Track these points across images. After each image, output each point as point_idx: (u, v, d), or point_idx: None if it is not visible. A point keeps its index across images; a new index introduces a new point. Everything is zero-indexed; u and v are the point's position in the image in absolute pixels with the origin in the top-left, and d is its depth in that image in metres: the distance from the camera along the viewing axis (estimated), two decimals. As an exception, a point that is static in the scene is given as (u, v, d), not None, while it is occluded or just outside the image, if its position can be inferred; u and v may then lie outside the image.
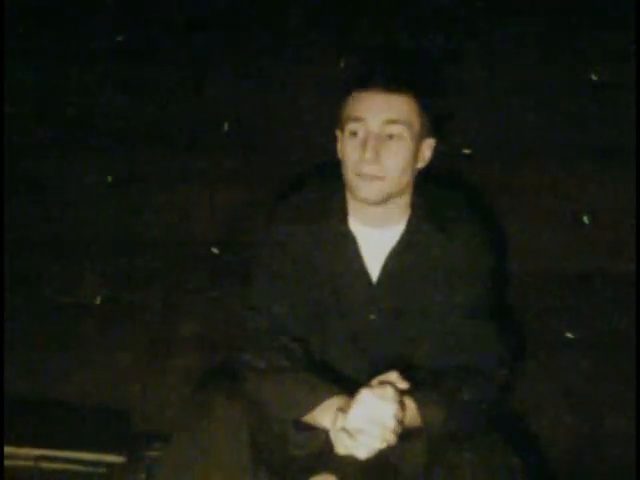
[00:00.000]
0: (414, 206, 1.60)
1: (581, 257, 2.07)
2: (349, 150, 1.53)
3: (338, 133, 1.62)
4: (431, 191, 1.64)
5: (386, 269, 1.58)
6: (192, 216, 2.17)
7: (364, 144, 1.49)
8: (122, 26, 2.25)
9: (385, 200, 1.53)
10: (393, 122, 1.50)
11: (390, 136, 1.51)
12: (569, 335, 2.03)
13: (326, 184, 1.66)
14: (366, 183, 1.51)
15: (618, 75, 2.09)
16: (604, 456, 1.93)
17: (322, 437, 1.44)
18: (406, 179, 1.55)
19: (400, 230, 1.59)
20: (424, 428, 1.43)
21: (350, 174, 1.53)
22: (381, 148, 1.49)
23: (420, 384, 1.45)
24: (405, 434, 1.40)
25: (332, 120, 1.65)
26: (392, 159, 1.51)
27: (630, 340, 1.95)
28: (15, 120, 2.20)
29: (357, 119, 1.52)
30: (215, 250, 2.15)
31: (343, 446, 1.38)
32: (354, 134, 1.52)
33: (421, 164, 1.59)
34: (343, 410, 1.39)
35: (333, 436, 1.40)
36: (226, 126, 2.19)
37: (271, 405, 1.47)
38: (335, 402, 1.43)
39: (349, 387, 1.47)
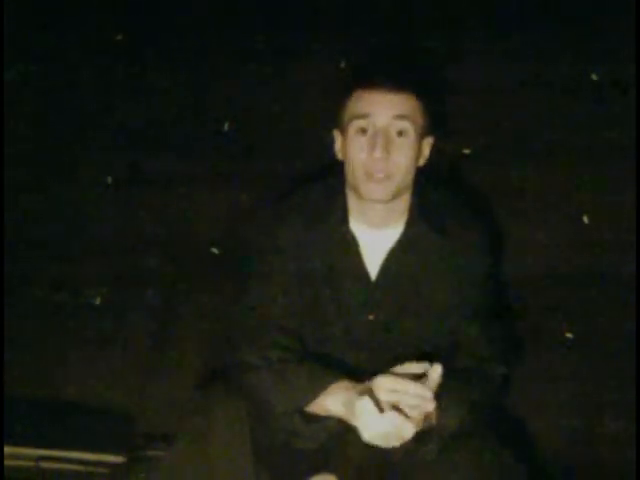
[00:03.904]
0: (413, 207, 1.60)
1: (581, 257, 2.07)
2: (356, 148, 1.51)
3: (336, 134, 1.62)
4: (430, 192, 1.64)
5: (385, 270, 1.58)
6: (192, 216, 2.18)
7: (373, 142, 1.48)
8: (122, 26, 2.25)
9: (392, 199, 1.53)
10: (401, 118, 1.50)
11: (399, 133, 1.50)
12: (569, 335, 2.03)
13: (326, 184, 1.66)
14: (375, 184, 1.50)
15: (618, 75, 2.10)
16: (604, 456, 1.93)
17: (331, 427, 1.43)
18: (410, 176, 1.55)
19: (399, 231, 1.59)
20: (435, 429, 1.42)
21: (357, 173, 1.51)
22: (390, 145, 1.49)
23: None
24: (417, 435, 1.38)
25: (332, 120, 1.65)
26: (401, 157, 1.50)
27: (630, 340, 1.95)
28: (15, 120, 2.21)
29: (364, 115, 1.50)
30: (215, 250, 2.15)
31: (374, 424, 1.34)
32: (362, 131, 1.51)
33: (421, 162, 1.59)
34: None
35: (360, 419, 1.35)
36: (226, 126, 2.19)
37: (274, 398, 1.45)
38: (341, 385, 1.42)
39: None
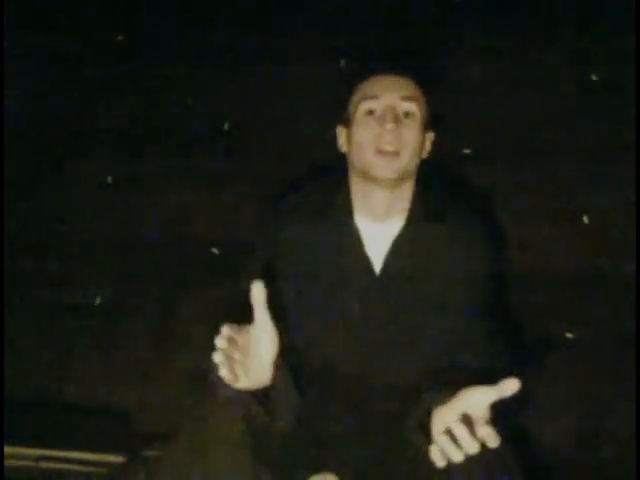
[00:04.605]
0: (415, 200, 1.61)
1: (581, 257, 2.07)
2: (366, 128, 1.55)
3: (339, 129, 1.64)
4: (432, 188, 1.64)
5: (388, 263, 1.58)
6: (192, 216, 2.18)
7: (383, 117, 1.53)
8: (122, 26, 2.25)
9: (399, 179, 1.55)
10: (408, 99, 1.55)
11: (406, 114, 1.55)
12: (569, 335, 2.03)
13: (328, 182, 1.67)
14: (384, 160, 1.52)
15: (618, 75, 2.10)
16: (604, 456, 1.93)
17: (289, 397, 1.41)
18: (415, 162, 1.57)
19: (402, 224, 1.60)
20: None
21: (367, 152, 1.54)
22: (399, 122, 1.53)
23: (437, 385, 1.40)
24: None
25: (332, 120, 1.65)
26: (409, 133, 1.54)
27: (630, 340, 1.95)
28: (15, 120, 2.21)
29: (373, 97, 1.55)
30: (215, 250, 2.15)
31: None
32: (371, 112, 1.55)
33: (424, 154, 1.61)
34: None
35: None
36: (226, 126, 2.19)
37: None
38: None
39: (349, 384, 1.46)
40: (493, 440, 1.25)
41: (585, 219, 2.08)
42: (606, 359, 2.00)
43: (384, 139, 1.52)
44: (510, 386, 1.24)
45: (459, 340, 1.54)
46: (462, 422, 1.24)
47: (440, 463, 1.27)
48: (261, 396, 1.41)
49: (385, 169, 1.53)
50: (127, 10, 2.26)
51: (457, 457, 1.25)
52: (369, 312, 1.58)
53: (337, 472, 1.49)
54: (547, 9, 2.14)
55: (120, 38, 2.25)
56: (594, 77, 2.11)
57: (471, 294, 1.57)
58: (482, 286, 1.59)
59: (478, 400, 1.26)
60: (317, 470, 1.51)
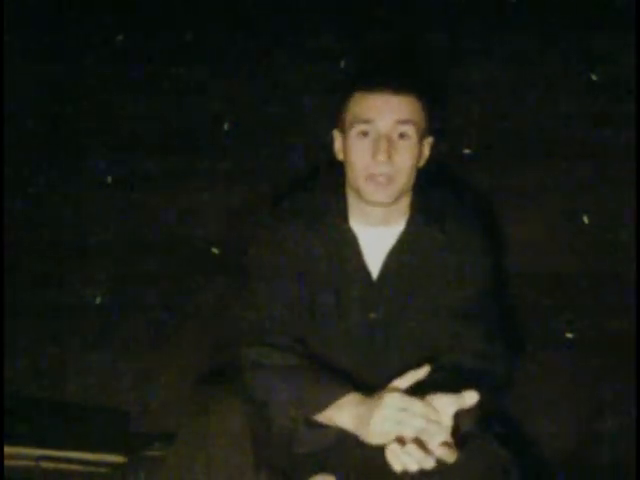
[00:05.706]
0: (413, 206, 1.60)
1: (581, 257, 2.07)
2: (358, 152, 1.51)
3: (336, 134, 1.62)
4: (430, 191, 1.64)
5: (386, 268, 1.58)
6: (192, 216, 2.18)
7: (376, 145, 1.48)
8: (122, 26, 2.25)
9: (395, 201, 1.54)
10: (404, 122, 1.50)
11: (401, 136, 1.50)
12: (569, 335, 2.03)
13: (326, 184, 1.66)
14: (377, 187, 1.50)
15: (618, 75, 2.10)
16: (604, 456, 1.93)
17: (332, 435, 1.42)
18: (411, 180, 1.55)
19: (400, 229, 1.59)
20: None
21: (359, 176, 1.52)
22: (392, 149, 1.49)
23: (438, 386, 1.38)
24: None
25: (332, 120, 1.65)
26: (403, 159, 1.50)
27: (630, 340, 1.95)
28: (15, 120, 2.21)
29: (367, 120, 1.50)
30: (215, 250, 2.15)
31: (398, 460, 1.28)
32: (364, 135, 1.51)
33: (422, 162, 1.59)
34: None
35: (388, 455, 1.29)
36: (226, 126, 2.19)
37: (283, 403, 1.44)
38: (350, 400, 1.41)
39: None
40: (450, 457, 1.28)
41: (585, 219, 2.08)
42: (606, 359, 2.00)
43: (378, 169, 1.49)
44: (470, 397, 1.30)
45: (459, 341, 1.54)
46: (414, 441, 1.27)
47: (396, 467, 1.28)
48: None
49: (378, 195, 1.51)
50: (127, 10, 2.26)
51: (411, 466, 1.27)
52: (367, 317, 1.58)
53: (337, 472, 1.49)
54: (547, 9, 2.14)
55: (120, 38, 2.25)
56: (594, 77, 2.11)
57: (470, 297, 1.57)
58: (481, 289, 1.59)
59: (442, 407, 1.30)
60: (317, 470, 1.51)
